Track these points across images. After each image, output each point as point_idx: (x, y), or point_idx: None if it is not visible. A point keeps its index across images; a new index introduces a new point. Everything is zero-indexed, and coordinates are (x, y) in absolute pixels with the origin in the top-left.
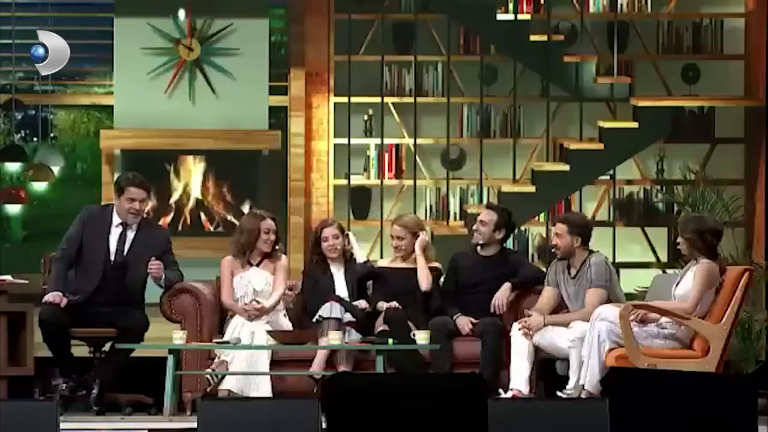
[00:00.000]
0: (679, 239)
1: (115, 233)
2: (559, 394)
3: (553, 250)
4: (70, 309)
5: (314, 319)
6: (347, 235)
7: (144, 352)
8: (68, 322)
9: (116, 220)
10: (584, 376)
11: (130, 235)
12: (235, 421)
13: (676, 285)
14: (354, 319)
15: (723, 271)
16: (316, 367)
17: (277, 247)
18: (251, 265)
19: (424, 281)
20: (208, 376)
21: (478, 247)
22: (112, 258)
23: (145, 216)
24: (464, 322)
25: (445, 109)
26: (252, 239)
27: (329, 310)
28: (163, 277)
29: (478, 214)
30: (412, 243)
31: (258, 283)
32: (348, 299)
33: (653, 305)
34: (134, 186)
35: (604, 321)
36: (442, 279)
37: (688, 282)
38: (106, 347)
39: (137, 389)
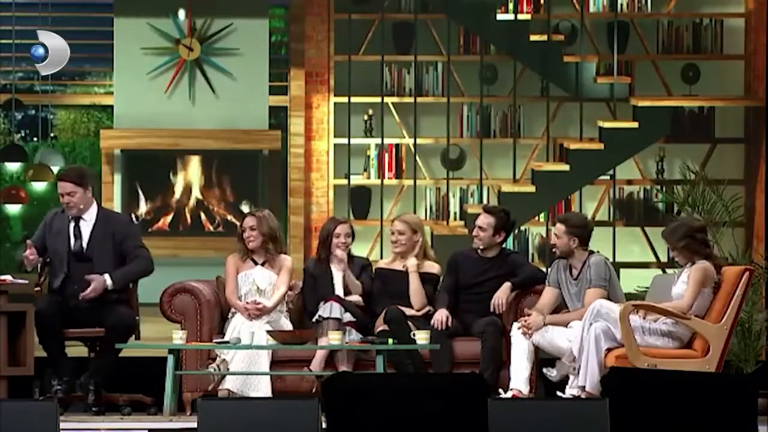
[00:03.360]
0: (674, 252)
1: (71, 227)
2: (559, 394)
3: (552, 249)
4: (60, 306)
5: (314, 319)
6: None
7: (144, 352)
8: (59, 318)
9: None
10: (584, 376)
11: (86, 227)
12: (235, 421)
13: (674, 285)
14: (354, 319)
15: (718, 269)
16: (316, 367)
17: (269, 247)
18: (256, 264)
19: (417, 302)
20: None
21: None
22: (73, 249)
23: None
24: (439, 317)
25: (445, 109)
26: (240, 238)
27: (329, 310)
28: (108, 283)
29: (477, 217)
30: (411, 240)
31: (262, 282)
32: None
33: (652, 305)
34: (59, 179)
35: (599, 322)
36: (441, 278)
37: (684, 282)
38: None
39: (137, 389)
